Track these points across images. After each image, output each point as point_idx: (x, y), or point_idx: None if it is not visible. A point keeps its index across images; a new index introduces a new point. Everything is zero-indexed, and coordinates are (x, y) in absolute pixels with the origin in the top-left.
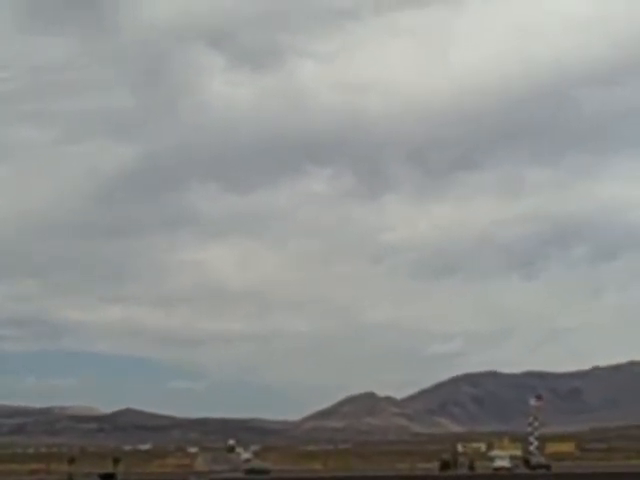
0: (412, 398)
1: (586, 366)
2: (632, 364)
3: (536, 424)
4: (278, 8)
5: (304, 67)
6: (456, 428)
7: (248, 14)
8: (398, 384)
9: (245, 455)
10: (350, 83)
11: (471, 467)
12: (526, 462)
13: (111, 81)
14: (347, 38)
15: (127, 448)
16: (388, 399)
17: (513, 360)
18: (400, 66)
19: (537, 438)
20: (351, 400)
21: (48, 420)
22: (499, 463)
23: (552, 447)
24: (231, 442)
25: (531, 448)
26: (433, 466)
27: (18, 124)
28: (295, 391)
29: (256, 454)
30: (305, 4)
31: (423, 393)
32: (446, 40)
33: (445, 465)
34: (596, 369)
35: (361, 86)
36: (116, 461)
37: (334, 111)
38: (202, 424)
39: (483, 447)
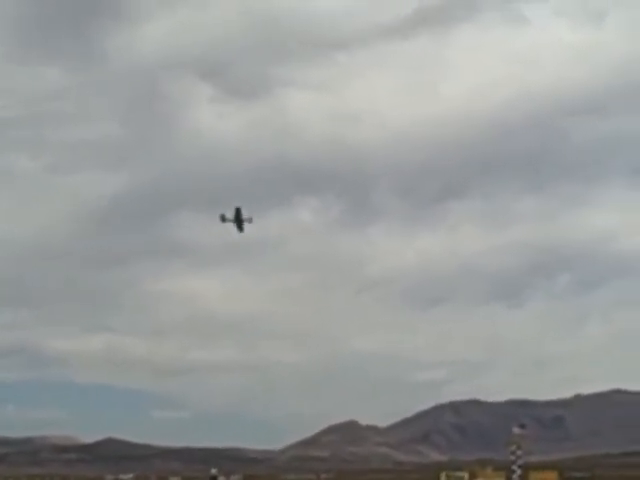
0: (395, 427)
1: (569, 394)
2: (615, 392)
3: (519, 452)
4: (267, 39)
5: (293, 98)
6: (439, 457)
7: (238, 45)
8: (381, 413)
9: None
10: (339, 113)
11: None
12: None
13: (101, 111)
14: (336, 69)
15: (109, 478)
16: (371, 428)
17: (497, 388)
18: (389, 96)
19: (520, 467)
20: (333, 429)
21: (30, 450)
22: None
23: (535, 476)
24: (213, 471)
25: (514, 477)
26: None
27: (8, 153)
28: (277, 420)
29: None
30: (294, 35)
31: (406, 422)
32: (436, 70)
33: None
34: (579, 397)
35: (349, 116)
36: None
37: (323, 141)
38: (184, 453)
39: (466, 476)
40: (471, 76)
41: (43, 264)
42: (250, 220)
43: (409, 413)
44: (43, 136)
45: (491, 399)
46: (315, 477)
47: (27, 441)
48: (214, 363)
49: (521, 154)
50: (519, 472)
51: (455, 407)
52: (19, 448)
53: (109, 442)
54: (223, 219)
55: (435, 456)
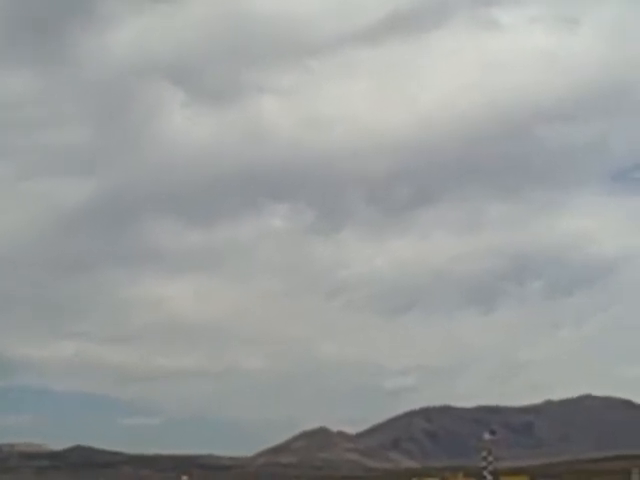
0: (366, 433)
1: (539, 400)
2: (585, 398)
3: (490, 459)
4: (239, 44)
5: (265, 102)
6: (410, 463)
7: (209, 50)
8: (352, 419)
9: None
10: (310, 119)
11: None
12: None
13: (71, 117)
14: (308, 74)
15: None
16: (341, 434)
17: (467, 394)
18: (361, 101)
19: (491, 473)
20: (304, 435)
21: None
22: None
23: None
24: (184, 478)
25: None
26: None
27: None
28: (248, 427)
29: None
30: (266, 40)
31: (377, 428)
32: (408, 75)
33: None
34: (549, 403)
35: (321, 122)
36: None
37: (294, 146)
38: (154, 460)
39: None
40: (443, 82)
41: (12, 270)
42: None
43: (380, 419)
44: (10, 142)
45: (462, 405)
46: None
47: None
48: (183, 369)
49: (493, 160)
50: (490, 478)
51: (426, 413)
52: None
53: (78, 449)
54: None
55: (406, 463)
